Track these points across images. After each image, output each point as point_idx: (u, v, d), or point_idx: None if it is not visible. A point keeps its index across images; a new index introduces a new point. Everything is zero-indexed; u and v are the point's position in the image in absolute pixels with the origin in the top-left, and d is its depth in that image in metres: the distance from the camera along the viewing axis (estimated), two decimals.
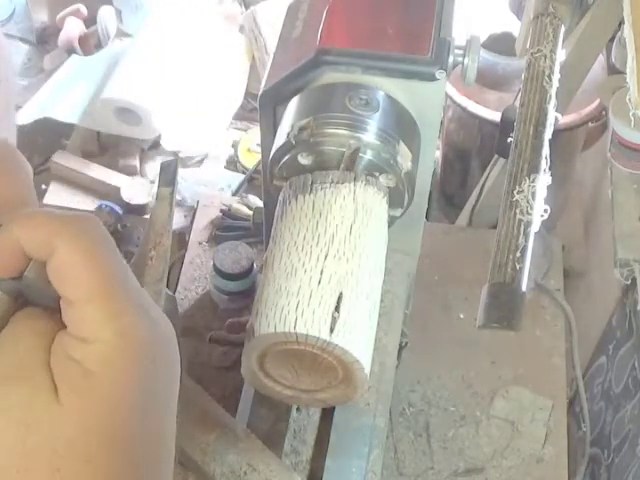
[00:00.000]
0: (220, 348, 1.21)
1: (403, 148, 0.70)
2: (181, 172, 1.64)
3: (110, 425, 0.36)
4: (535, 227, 0.65)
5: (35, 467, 0.36)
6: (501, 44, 1.40)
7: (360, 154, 0.68)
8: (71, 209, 1.53)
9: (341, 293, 0.62)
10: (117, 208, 1.56)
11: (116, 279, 0.37)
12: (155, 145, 1.70)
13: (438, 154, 1.60)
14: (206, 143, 1.72)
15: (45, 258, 0.37)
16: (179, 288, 1.30)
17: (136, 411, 0.37)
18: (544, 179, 0.68)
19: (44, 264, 0.37)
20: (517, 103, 0.77)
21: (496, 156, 1.34)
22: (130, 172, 1.67)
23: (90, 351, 0.36)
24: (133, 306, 0.37)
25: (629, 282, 1.07)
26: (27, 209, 0.40)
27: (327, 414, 0.86)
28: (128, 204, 1.60)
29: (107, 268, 0.37)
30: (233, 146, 1.74)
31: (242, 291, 1.25)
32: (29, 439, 0.36)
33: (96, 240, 0.37)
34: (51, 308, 0.38)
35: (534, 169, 0.69)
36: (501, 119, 1.14)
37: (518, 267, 0.63)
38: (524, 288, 0.63)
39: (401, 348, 0.97)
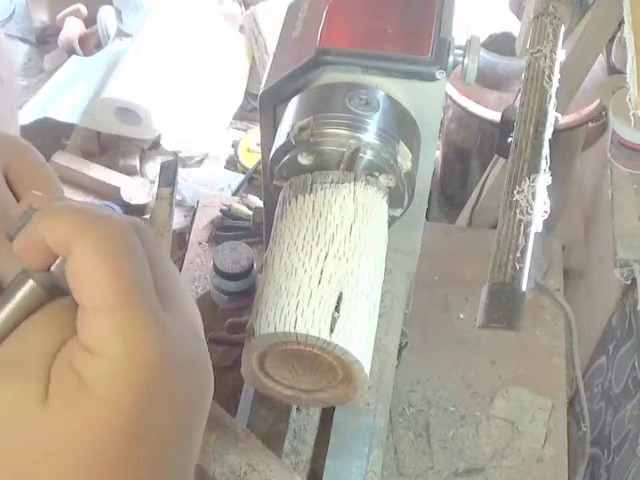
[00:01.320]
0: (220, 348, 1.21)
1: (403, 148, 0.70)
2: (181, 172, 1.64)
3: (96, 446, 0.33)
4: (535, 227, 0.65)
5: (7, 469, 0.33)
6: (501, 44, 1.40)
7: (360, 154, 0.68)
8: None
9: (341, 293, 0.62)
10: (117, 208, 1.56)
11: (136, 291, 0.33)
12: (155, 145, 1.70)
13: (438, 154, 1.60)
14: (206, 143, 1.72)
15: (65, 257, 0.34)
16: None
17: (129, 438, 0.34)
18: (544, 179, 0.68)
19: None
20: (517, 103, 0.77)
21: (496, 156, 1.34)
22: (130, 172, 1.67)
23: (92, 364, 0.33)
24: (150, 322, 0.33)
25: (629, 282, 1.07)
26: (56, 197, 0.37)
27: (327, 414, 0.86)
28: (128, 204, 1.60)
29: (127, 278, 0.33)
30: (233, 146, 1.74)
31: (242, 291, 1.25)
32: (7, 440, 0.33)
33: (119, 246, 0.33)
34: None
35: (534, 169, 0.69)
36: (501, 119, 1.15)
37: (518, 267, 0.63)
38: (524, 288, 0.63)
39: (401, 348, 0.97)
